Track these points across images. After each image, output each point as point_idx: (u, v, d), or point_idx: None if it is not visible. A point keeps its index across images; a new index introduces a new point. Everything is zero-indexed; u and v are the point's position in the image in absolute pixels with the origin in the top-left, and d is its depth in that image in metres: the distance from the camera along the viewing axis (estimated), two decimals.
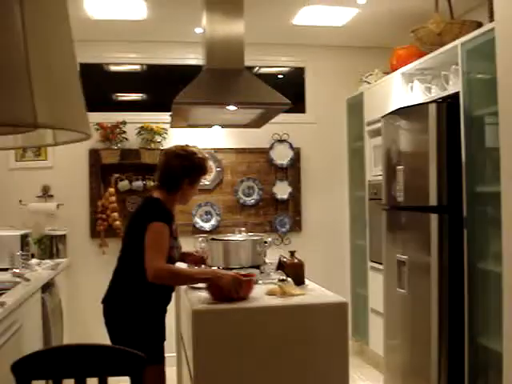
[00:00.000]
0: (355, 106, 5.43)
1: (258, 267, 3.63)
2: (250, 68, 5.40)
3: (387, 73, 4.90)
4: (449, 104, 3.75)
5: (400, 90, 4.55)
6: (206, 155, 3.22)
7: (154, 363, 2.96)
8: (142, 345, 2.60)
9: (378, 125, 4.66)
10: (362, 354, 5.29)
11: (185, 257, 3.46)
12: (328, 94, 5.69)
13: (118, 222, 5.16)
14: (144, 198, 3.34)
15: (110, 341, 2.96)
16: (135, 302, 2.97)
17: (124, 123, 5.25)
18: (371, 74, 5.18)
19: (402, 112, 4.16)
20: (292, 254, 3.40)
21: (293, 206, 5.65)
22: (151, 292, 2.97)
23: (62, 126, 1.26)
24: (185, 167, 3.06)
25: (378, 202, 4.80)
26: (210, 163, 3.14)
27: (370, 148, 5.16)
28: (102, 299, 3.04)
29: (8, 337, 2.75)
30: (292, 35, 5.30)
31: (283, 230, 5.58)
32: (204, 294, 3.03)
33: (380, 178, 4.58)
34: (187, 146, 3.17)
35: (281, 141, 5.59)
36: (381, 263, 4.67)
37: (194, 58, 5.21)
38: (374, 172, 5.04)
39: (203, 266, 3.45)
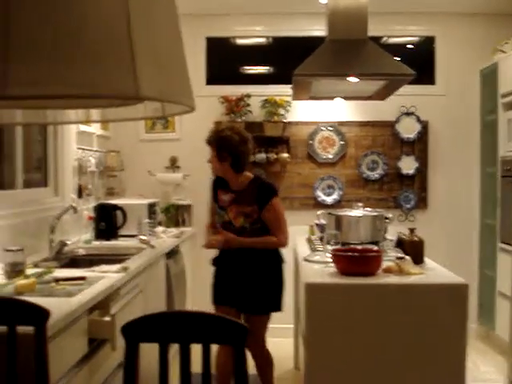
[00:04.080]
0: (489, 77, 5.11)
1: (376, 243, 3.56)
2: (378, 38, 5.25)
3: None
4: None
5: None
6: (232, 134, 3.44)
7: None
8: None
9: None
10: (487, 338, 5.05)
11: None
12: (459, 65, 5.39)
13: None
14: None
15: None
16: None
17: (248, 96, 5.31)
18: (507, 43, 4.84)
19: None
20: (412, 231, 3.29)
21: (419, 181, 5.46)
22: None
23: (165, 98, 1.26)
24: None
25: (511, 179, 4.52)
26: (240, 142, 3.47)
27: (504, 121, 4.84)
28: None
29: (128, 300, 2.90)
30: (421, 3, 5.07)
31: (408, 206, 5.41)
32: (322, 268, 3.04)
33: None
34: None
35: (408, 113, 5.40)
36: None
37: (319, 29, 5.13)
38: (509, 147, 4.74)
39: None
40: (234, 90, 5.36)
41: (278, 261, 3.58)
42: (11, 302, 1.99)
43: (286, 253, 4.44)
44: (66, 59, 1.08)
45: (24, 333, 1.90)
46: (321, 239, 3.98)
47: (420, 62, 5.46)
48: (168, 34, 1.29)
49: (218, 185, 3.59)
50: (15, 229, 3.37)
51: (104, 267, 2.99)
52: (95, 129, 4.89)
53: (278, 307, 3.57)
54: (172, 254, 4.33)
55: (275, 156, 5.32)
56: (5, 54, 1.10)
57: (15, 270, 2.83)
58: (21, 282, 2.57)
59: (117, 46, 1.12)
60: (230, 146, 3.41)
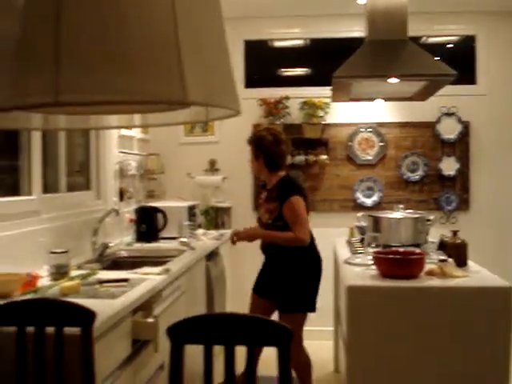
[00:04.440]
0: None
1: (418, 245, 3.52)
2: (417, 38, 5.19)
3: None
4: None
5: None
6: (262, 134, 3.68)
7: None
8: None
9: None
10: None
11: None
12: (500, 64, 5.30)
13: None
14: None
15: None
16: None
17: (287, 98, 5.31)
18: None
19: None
20: (455, 233, 3.25)
21: (460, 183, 5.38)
22: None
23: (212, 103, 1.28)
24: None
25: None
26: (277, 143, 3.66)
27: None
28: None
29: (171, 302, 2.94)
30: (461, 2, 4.99)
31: (449, 208, 5.33)
32: (363, 270, 3.02)
33: None
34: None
35: (448, 114, 5.32)
36: None
37: (357, 30, 5.11)
38: None
39: None
40: (273, 93, 5.37)
41: (314, 260, 3.63)
42: (59, 303, 2.04)
43: (325, 255, 4.44)
44: (115, 66, 1.11)
45: (71, 334, 1.94)
46: (361, 241, 3.96)
47: (460, 62, 5.38)
48: (214, 40, 1.30)
49: (264, 184, 3.83)
50: (59, 231, 3.44)
51: (146, 269, 3.03)
52: (135, 132, 4.96)
53: (310, 307, 3.59)
54: (212, 256, 4.35)
55: (314, 158, 5.30)
56: (56, 62, 1.12)
57: (60, 272, 2.89)
58: (66, 283, 2.62)
59: (165, 53, 1.14)
60: (263, 144, 3.64)
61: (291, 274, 3.56)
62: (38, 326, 1.94)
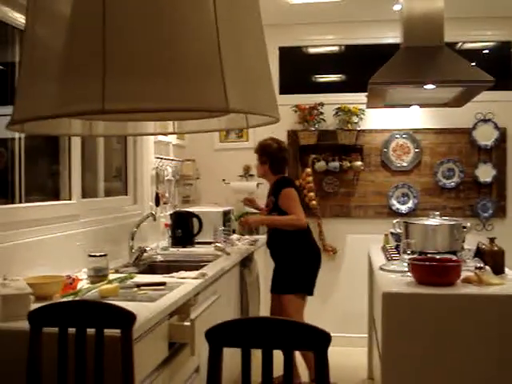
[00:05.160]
0: None
1: (454, 253, 3.49)
2: (452, 44, 5.15)
3: None
4: None
5: None
6: (268, 142, 4.22)
7: None
8: None
9: None
10: None
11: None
12: None
13: (314, 202, 5.27)
14: None
15: None
16: None
17: (321, 104, 5.32)
18: None
19: None
20: (492, 240, 3.22)
21: (497, 189, 5.31)
22: None
23: (252, 110, 1.31)
24: None
25: None
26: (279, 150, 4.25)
27: None
28: None
29: (207, 305, 2.96)
30: (497, 7, 4.94)
31: (485, 215, 5.27)
32: (399, 277, 3.01)
33: None
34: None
35: (485, 120, 5.27)
36: None
37: (393, 36, 5.09)
38: None
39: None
40: (307, 99, 5.39)
41: (311, 248, 4.16)
42: (100, 305, 2.08)
43: (359, 261, 4.42)
44: (159, 75, 1.14)
45: (111, 335, 1.98)
46: (396, 248, 3.94)
47: (496, 68, 5.32)
48: (254, 49, 1.33)
49: None
50: (97, 235, 3.50)
51: (183, 273, 3.07)
52: (171, 138, 5.02)
53: (307, 290, 4.09)
54: (246, 261, 4.38)
55: (348, 164, 5.30)
56: (101, 71, 1.16)
57: (98, 275, 2.95)
58: (104, 286, 2.67)
59: (207, 62, 1.17)
60: (268, 151, 4.19)
61: (289, 260, 4.09)
62: (79, 328, 1.98)
